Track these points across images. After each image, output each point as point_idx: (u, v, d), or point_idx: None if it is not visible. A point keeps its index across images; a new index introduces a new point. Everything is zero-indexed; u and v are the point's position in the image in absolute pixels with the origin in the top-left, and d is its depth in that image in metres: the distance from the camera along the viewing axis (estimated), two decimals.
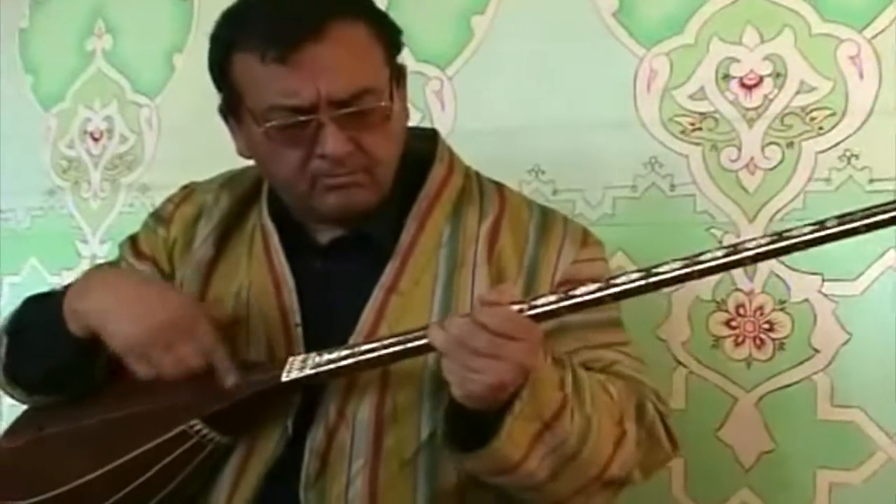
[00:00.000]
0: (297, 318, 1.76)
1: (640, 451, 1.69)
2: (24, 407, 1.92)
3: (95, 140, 3.14)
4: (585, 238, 1.85)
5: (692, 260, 1.47)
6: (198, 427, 1.67)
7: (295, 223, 1.84)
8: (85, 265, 3.05)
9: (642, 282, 1.49)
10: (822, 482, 2.13)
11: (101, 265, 2.08)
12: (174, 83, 2.99)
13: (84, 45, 3.17)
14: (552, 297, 1.53)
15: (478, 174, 1.90)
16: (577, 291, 1.52)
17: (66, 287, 1.87)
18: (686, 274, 1.47)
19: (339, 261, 1.81)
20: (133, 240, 1.99)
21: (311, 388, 1.70)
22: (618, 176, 2.31)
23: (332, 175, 1.70)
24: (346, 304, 1.75)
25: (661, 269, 1.49)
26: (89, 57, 3.16)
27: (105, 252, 3.03)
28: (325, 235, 1.82)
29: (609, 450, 1.63)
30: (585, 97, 2.36)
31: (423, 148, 1.86)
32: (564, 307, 1.52)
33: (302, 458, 1.69)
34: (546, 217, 1.85)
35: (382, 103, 1.69)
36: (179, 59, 2.97)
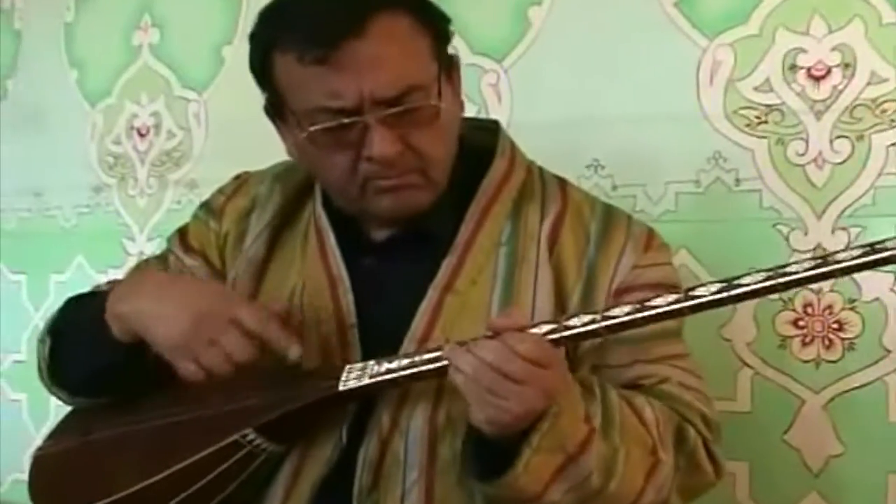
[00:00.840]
0: (353, 319, 1.70)
1: (679, 476, 1.63)
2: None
3: (142, 136, 3.10)
4: (649, 241, 1.77)
5: (777, 272, 1.41)
6: (251, 437, 1.61)
7: (349, 219, 1.78)
8: (132, 263, 2.92)
9: (723, 294, 1.43)
10: (893, 487, 2.07)
11: (146, 260, 2.04)
12: (223, 77, 2.95)
13: (130, 39, 3.13)
14: (627, 308, 1.49)
15: (541, 169, 1.83)
16: (655, 303, 1.46)
17: (108, 287, 1.84)
18: (770, 287, 1.41)
19: (395, 258, 1.75)
20: (182, 233, 1.94)
21: (365, 396, 1.64)
22: (680, 171, 2.25)
23: (384, 177, 1.64)
24: (401, 304, 1.70)
25: (742, 281, 1.42)
26: (136, 51, 3.12)
27: (152, 250, 2.95)
28: (380, 233, 1.77)
29: (640, 481, 1.57)
30: (646, 89, 2.30)
31: (484, 140, 1.80)
32: (641, 319, 1.48)
33: (354, 468, 1.63)
34: (609, 216, 1.78)
35: (431, 101, 1.63)
36: (228, 52, 2.93)
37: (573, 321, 1.50)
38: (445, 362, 1.52)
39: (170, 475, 1.61)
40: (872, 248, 1.36)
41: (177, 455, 1.62)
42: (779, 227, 2.14)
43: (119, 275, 2.88)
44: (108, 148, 3.18)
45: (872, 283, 2.07)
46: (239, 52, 2.80)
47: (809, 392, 2.13)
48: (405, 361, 1.58)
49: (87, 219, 3.22)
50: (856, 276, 2.05)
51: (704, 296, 1.44)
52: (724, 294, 1.42)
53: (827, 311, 2.11)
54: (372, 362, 1.61)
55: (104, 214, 3.18)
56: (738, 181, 2.20)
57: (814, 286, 2.10)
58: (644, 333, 1.64)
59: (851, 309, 2.09)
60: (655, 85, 2.29)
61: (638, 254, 1.73)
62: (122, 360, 1.68)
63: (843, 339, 2.10)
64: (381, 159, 1.60)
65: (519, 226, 1.74)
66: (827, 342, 2.11)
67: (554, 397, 1.46)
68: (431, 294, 1.68)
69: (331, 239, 1.77)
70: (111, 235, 3.14)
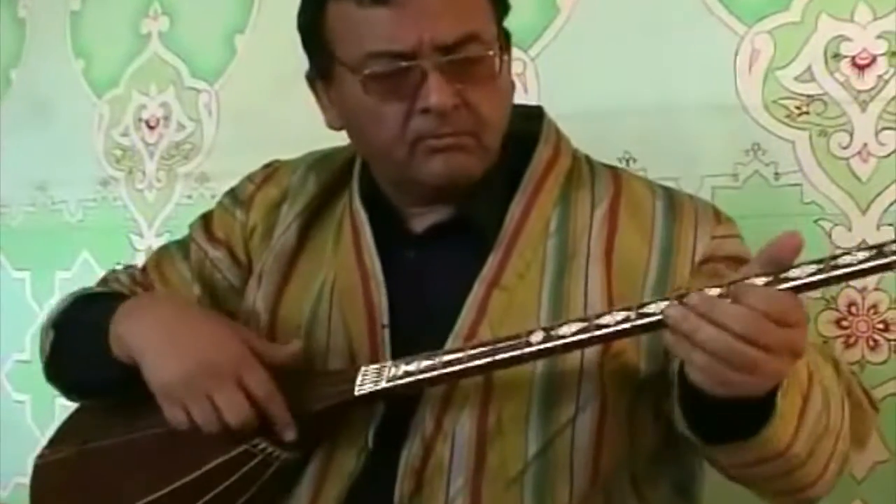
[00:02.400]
0: (385, 319, 1.62)
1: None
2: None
3: (151, 128, 3.03)
4: (717, 213, 1.71)
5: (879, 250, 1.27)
6: (262, 445, 1.55)
7: (388, 210, 1.71)
8: (140, 260, 2.89)
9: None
10: None
11: (166, 246, 1.96)
12: (235, 67, 2.83)
13: (138, 27, 3.05)
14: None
15: (587, 157, 1.77)
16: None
17: (119, 282, 1.81)
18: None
19: (436, 251, 1.67)
20: (206, 220, 1.87)
21: (399, 397, 1.55)
22: (717, 163, 2.17)
23: (436, 136, 1.57)
24: (442, 301, 1.62)
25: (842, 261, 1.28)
26: (144, 40, 3.04)
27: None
28: (421, 222, 1.69)
29: (839, 416, 1.46)
30: (681, 79, 2.21)
31: (528, 128, 1.73)
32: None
33: (389, 475, 1.55)
34: (672, 196, 1.71)
35: (490, 52, 1.57)
36: (241, 41, 2.81)
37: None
38: (477, 362, 1.45)
39: (177, 488, 1.55)
40: None
41: (184, 466, 1.56)
42: (821, 222, 2.05)
43: None
44: (115, 140, 3.11)
45: None
46: (252, 41, 2.77)
47: None
48: (424, 363, 1.50)
49: (94, 213, 3.14)
50: None
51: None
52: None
53: (872, 311, 2.02)
54: (389, 363, 1.54)
55: (111, 209, 3.10)
56: (777, 175, 2.11)
57: (857, 284, 2.02)
58: None
59: None
60: (690, 74, 2.21)
61: (712, 224, 1.67)
62: (118, 378, 1.63)
63: (889, 339, 2.01)
64: (437, 109, 1.53)
65: (568, 215, 1.66)
66: (872, 343, 2.03)
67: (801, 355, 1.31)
68: (477, 289, 1.59)
69: (367, 234, 1.69)
70: (118, 231, 3.07)
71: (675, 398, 1.44)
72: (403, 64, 1.53)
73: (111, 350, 1.63)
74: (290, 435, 1.54)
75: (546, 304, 1.59)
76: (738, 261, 1.59)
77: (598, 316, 1.42)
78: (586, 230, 1.64)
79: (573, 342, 1.42)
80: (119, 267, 1.95)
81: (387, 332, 1.61)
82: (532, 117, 1.76)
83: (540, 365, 1.53)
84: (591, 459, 1.56)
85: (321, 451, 1.59)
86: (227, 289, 1.80)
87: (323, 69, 1.65)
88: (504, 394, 1.54)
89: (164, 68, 3.00)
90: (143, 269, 1.89)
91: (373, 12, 1.53)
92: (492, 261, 1.61)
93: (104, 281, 1.91)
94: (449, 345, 1.55)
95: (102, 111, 3.13)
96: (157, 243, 2.90)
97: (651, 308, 1.37)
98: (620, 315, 1.40)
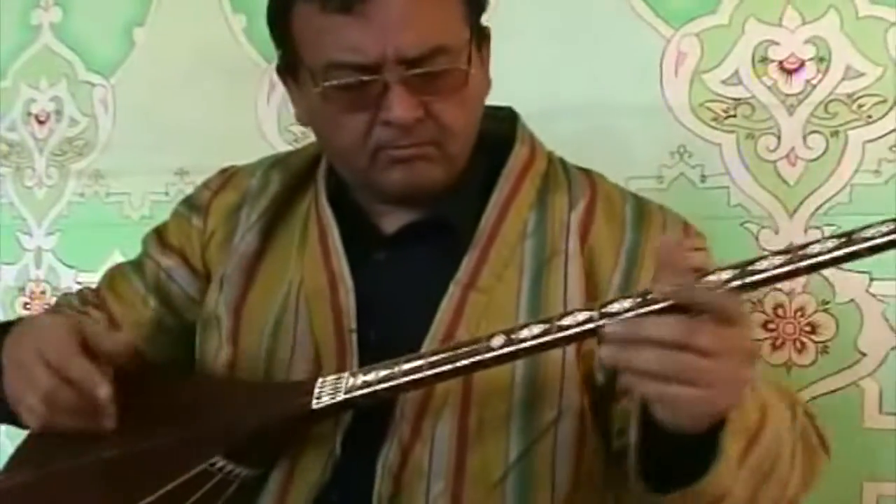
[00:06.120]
0: (353, 324, 1.57)
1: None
2: None
3: (41, 122, 2.89)
4: (687, 226, 1.68)
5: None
6: (220, 464, 1.48)
7: (357, 208, 1.66)
8: (29, 259, 2.86)
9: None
10: (869, 495, 2.02)
11: (119, 265, 1.89)
12: (132, 60, 2.68)
13: (29, 17, 2.90)
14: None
15: (561, 159, 1.74)
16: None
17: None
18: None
19: (408, 252, 1.63)
20: (159, 231, 1.82)
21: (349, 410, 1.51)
22: (642, 166, 2.16)
23: (397, 146, 1.53)
24: (414, 304, 1.57)
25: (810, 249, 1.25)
26: (35, 31, 2.90)
27: (51, 245, 2.82)
28: (392, 223, 1.65)
29: (788, 463, 1.40)
30: (607, 80, 2.20)
31: (501, 129, 1.70)
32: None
33: (360, 480, 1.51)
34: (641, 202, 1.69)
35: (460, 66, 1.52)
36: (139, 34, 2.66)
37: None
38: (437, 369, 1.38)
39: None
40: None
41: (143, 488, 1.48)
42: (748, 225, 2.07)
43: (14, 273, 2.85)
44: (1, 135, 2.96)
45: (847, 284, 2.01)
46: (151, 34, 2.66)
47: None
48: (382, 373, 1.43)
49: None
50: (829, 276, 2.02)
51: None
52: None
53: (799, 314, 2.05)
54: (346, 374, 1.47)
55: None
56: (703, 177, 2.13)
57: (784, 287, 2.04)
58: None
59: (825, 311, 2.03)
60: (615, 75, 2.20)
61: (679, 236, 1.64)
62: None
63: (816, 342, 2.04)
64: (398, 123, 1.49)
65: (546, 216, 1.63)
66: (799, 345, 2.05)
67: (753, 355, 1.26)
68: (453, 290, 1.55)
69: (334, 234, 1.64)
70: (5, 229, 2.93)
71: (632, 444, 1.36)
72: (365, 77, 1.49)
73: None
74: (103, 392, 1.45)
75: (525, 306, 1.55)
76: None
77: (561, 317, 1.36)
78: (564, 231, 1.61)
79: (535, 345, 1.36)
80: (72, 291, 1.88)
81: (354, 336, 1.56)
82: (504, 118, 1.73)
83: (521, 368, 1.50)
84: (573, 464, 1.54)
85: (284, 459, 1.54)
86: (184, 299, 1.74)
87: (290, 67, 1.61)
88: (484, 397, 1.51)
89: (56, 61, 2.87)
90: (97, 288, 1.83)
91: (336, 20, 1.48)
92: (467, 262, 1.57)
93: (56, 305, 1.85)
94: (424, 348, 1.51)
95: None
96: (46, 242, 2.84)
97: (614, 307, 1.31)
98: (582, 315, 1.34)
